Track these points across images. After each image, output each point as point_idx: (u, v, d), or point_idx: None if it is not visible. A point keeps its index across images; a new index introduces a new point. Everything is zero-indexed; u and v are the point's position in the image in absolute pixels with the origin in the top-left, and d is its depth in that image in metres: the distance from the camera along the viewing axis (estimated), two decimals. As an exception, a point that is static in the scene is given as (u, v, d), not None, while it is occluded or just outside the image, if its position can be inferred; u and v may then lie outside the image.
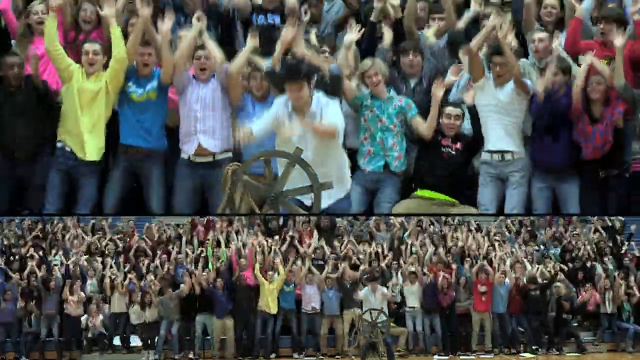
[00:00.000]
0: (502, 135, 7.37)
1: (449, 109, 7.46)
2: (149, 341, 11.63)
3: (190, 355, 11.61)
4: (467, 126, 7.64)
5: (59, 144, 7.08)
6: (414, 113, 7.46)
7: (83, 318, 11.61)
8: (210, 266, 12.07)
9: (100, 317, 11.63)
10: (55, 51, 6.88)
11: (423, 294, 11.97)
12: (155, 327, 11.63)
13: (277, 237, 12.84)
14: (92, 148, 6.99)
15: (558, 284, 12.29)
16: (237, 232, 13.10)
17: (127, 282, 11.80)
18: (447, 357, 11.76)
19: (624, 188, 7.40)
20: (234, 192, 5.94)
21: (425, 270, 12.26)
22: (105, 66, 7.02)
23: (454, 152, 7.46)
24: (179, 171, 7.30)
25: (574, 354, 11.92)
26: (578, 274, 12.87)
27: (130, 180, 7.35)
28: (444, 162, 7.42)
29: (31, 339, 11.46)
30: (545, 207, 7.56)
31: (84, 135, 6.94)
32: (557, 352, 11.91)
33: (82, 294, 11.66)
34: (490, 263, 12.32)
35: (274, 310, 11.63)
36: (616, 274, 12.65)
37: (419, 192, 7.48)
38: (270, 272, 11.77)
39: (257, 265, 11.67)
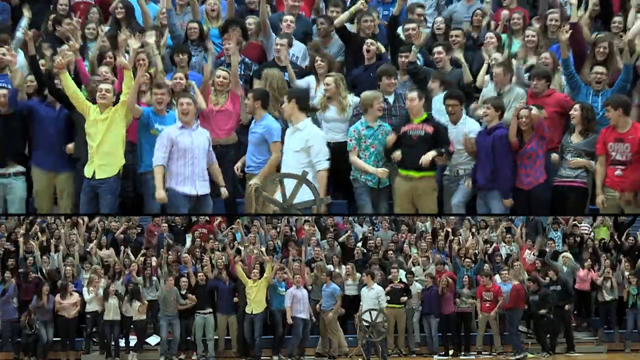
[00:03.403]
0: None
1: (409, 95, 8.48)
2: (143, 344, 11.50)
3: (193, 357, 11.52)
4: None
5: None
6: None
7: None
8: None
9: (101, 291, 11.41)
10: (75, 96, 8.27)
11: (423, 297, 11.88)
12: (150, 326, 11.55)
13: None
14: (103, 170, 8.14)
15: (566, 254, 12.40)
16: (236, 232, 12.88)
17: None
18: (447, 357, 11.79)
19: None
20: (258, 206, 7.70)
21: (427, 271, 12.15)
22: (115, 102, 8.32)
23: (422, 134, 8.27)
24: None
25: (574, 354, 11.88)
26: (582, 252, 12.65)
27: None
28: (415, 145, 8.20)
29: (31, 339, 11.37)
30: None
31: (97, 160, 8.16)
32: (559, 352, 11.88)
33: (77, 295, 11.46)
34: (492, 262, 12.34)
35: (256, 310, 11.13)
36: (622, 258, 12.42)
37: (401, 171, 8.34)
38: (255, 270, 11.21)
39: (239, 265, 11.19)
